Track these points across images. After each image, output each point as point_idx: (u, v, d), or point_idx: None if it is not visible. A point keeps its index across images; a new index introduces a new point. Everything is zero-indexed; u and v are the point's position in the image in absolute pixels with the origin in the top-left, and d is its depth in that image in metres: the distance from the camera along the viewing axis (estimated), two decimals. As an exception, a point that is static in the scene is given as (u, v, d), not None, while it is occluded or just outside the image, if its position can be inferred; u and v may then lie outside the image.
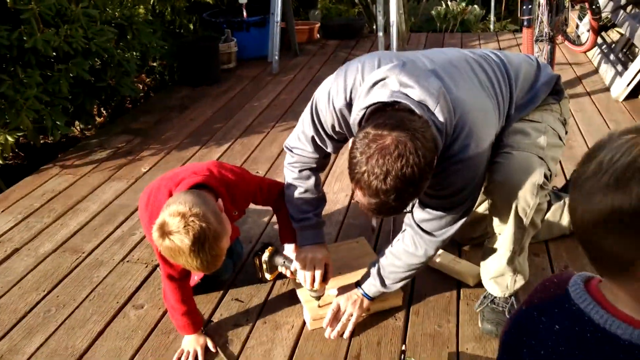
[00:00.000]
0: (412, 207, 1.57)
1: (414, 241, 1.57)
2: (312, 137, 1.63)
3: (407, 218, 1.60)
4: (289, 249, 1.84)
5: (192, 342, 1.68)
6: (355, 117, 1.41)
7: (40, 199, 2.62)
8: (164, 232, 1.39)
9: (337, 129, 1.57)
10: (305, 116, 1.63)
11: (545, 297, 0.78)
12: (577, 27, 4.65)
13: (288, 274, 1.80)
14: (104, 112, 3.93)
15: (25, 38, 2.74)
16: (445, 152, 1.38)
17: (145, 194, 1.73)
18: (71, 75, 2.96)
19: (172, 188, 1.58)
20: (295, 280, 1.80)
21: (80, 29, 2.97)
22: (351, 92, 1.46)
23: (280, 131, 3.27)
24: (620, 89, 3.47)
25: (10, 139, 2.65)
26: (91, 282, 2.00)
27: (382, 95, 1.33)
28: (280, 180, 1.87)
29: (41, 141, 3.28)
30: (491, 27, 6.15)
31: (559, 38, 4.21)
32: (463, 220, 1.53)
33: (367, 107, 1.35)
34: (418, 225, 1.55)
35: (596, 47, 4.21)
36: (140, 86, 4.37)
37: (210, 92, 4.04)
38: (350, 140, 1.36)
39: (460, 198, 1.48)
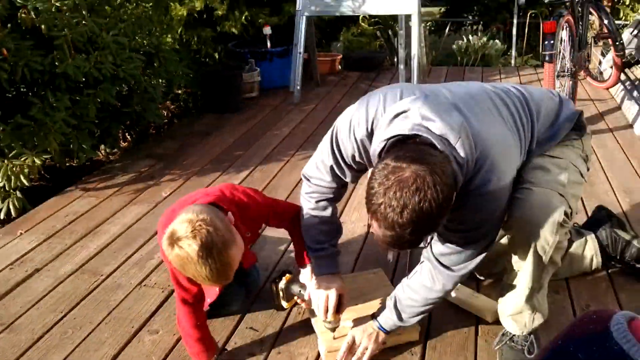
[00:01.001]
0: (430, 241, 1.56)
1: (432, 275, 1.56)
2: (331, 167, 1.64)
3: (426, 251, 1.59)
4: (306, 274, 1.84)
5: None
6: (375, 148, 1.41)
7: (63, 221, 2.66)
8: (173, 240, 1.40)
9: (358, 159, 1.57)
10: (325, 145, 1.64)
11: (583, 333, 0.75)
12: (600, 63, 4.65)
13: (303, 304, 1.79)
14: (129, 137, 4.01)
15: (57, 63, 2.83)
16: (467, 186, 1.37)
17: (162, 217, 1.76)
18: (99, 100, 3.04)
19: None
20: (310, 310, 1.79)
21: (110, 55, 3.06)
22: (373, 123, 1.47)
23: (300, 159, 3.30)
24: (644, 126, 3.44)
25: (37, 161, 2.71)
26: (108, 305, 2.01)
27: (403, 127, 1.34)
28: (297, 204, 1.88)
29: (66, 164, 3.35)
30: (512, 61, 6.17)
31: (581, 74, 4.21)
32: (483, 255, 1.51)
33: (388, 139, 1.35)
34: (437, 259, 1.54)
35: (619, 84, 4.19)
36: (165, 112, 4.46)
37: (233, 119, 4.11)
38: (370, 171, 1.36)
39: (480, 233, 1.47)
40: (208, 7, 4.93)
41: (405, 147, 1.30)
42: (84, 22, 2.95)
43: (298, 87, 4.54)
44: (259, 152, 3.46)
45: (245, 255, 1.84)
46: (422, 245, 1.44)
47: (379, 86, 5.11)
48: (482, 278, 2.04)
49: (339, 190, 1.73)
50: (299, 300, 1.80)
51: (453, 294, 1.87)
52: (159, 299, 2.03)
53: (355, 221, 2.53)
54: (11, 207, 2.71)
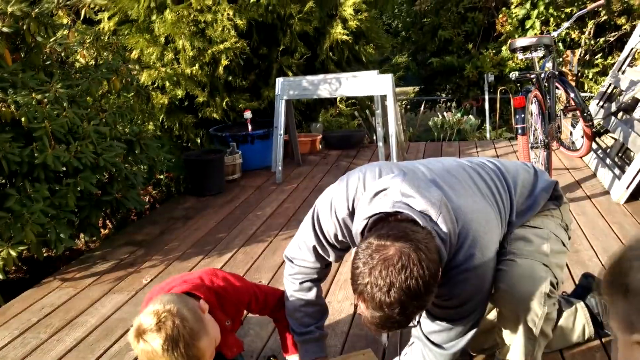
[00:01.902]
0: (419, 319, 1.52)
1: (423, 355, 1.51)
2: (314, 247, 1.62)
3: (415, 330, 1.55)
4: None
5: None
6: (357, 227, 1.41)
7: (39, 314, 2.56)
8: (138, 334, 1.36)
9: (340, 237, 1.57)
10: (306, 225, 1.63)
11: None
12: (571, 133, 4.81)
13: None
14: (109, 223, 3.96)
15: (36, 154, 2.84)
16: (451, 262, 1.37)
17: (143, 306, 1.70)
18: (78, 189, 3.03)
19: None
20: None
21: (91, 145, 3.08)
22: (353, 202, 1.48)
23: (283, 239, 3.27)
24: (620, 192, 3.51)
25: (13, 253, 2.65)
26: (84, 403, 1.90)
27: (384, 205, 1.35)
28: (281, 288, 1.84)
29: (44, 254, 3.27)
30: (487, 135, 6.36)
31: (554, 144, 4.33)
32: (473, 331, 1.48)
33: (370, 217, 1.36)
34: (427, 338, 1.50)
35: (592, 152, 4.32)
36: (146, 198, 4.44)
37: (215, 202, 4.10)
38: (353, 250, 1.35)
39: (468, 308, 1.44)
40: (189, 94, 5.06)
41: (388, 224, 1.30)
42: (64, 113, 2.99)
43: (280, 168, 4.59)
44: (242, 234, 3.43)
45: (230, 344, 1.78)
46: (411, 324, 1.41)
47: (359, 163, 5.22)
48: (474, 354, 1.98)
49: (323, 270, 1.71)
50: None
51: None
52: (138, 394, 1.92)
53: (341, 300, 2.47)
54: (-16, 302, 2.61)
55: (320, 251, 1.63)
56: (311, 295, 1.71)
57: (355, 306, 2.39)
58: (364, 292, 1.22)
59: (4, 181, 3.02)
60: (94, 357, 2.17)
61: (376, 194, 1.40)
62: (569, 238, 1.70)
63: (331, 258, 1.65)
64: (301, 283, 1.71)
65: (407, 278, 1.18)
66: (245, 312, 1.91)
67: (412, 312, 1.25)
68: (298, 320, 1.71)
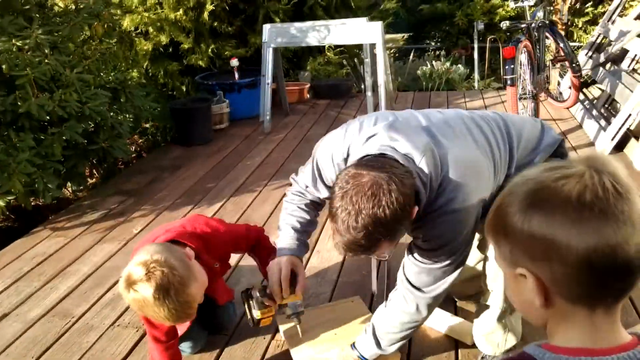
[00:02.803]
0: (389, 255, 1.57)
1: (404, 297, 1.56)
2: (307, 187, 1.70)
3: (399, 274, 1.60)
4: None
5: None
6: None
7: (30, 263, 2.58)
8: (128, 284, 1.40)
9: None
10: (308, 163, 1.70)
11: None
12: (559, 84, 4.81)
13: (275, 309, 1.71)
14: (96, 173, 3.94)
15: (19, 103, 2.78)
16: (432, 204, 1.41)
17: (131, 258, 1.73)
18: (64, 138, 2.99)
19: None
20: (289, 339, 1.77)
21: (75, 93, 3.02)
22: (349, 149, 1.53)
23: (272, 189, 3.29)
24: (605, 143, 3.56)
25: (1, 202, 2.64)
26: (80, 348, 1.94)
27: (371, 148, 1.40)
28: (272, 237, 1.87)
29: (32, 203, 3.26)
30: (475, 85, 6.34)
31: (542, 95, 4.34)
32: (453, 277, 1.52)
33: (358, 160, 1.40)
34: (407, 280, 1.55)
35: (579, 103, 4.34)
36: (133, 147, 4.41)
37: (203, 151, 4.08)
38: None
39: (447, 251, 1.48)
40: (174, 41, 4.94)
41: (369, 159, 1.36)
42: (46, 60, 2.92)
43: (268, 117, 4.56)
44: (231, 184, 3.44)
45: (220, 291, 1.82)
46: (382, 256, 1.47)
47: (347, 113, 5.18)
48: (456, 300, 2.05)
49: (319, 202, 1.76)
50: (271, 306, 1.69)
51: (432, 317, 1.87)
52: (134, 339, 1.97)
53: (330, 249, 2.52)
54: (-25, 251, 2.62)
55: (318, 186, 1.68)
56: (303, 202, 1.76)
57: (344, 255, 2.44)
58: (335, 215, 1.29)
59: (-13, 130, 2.96)
60: (88, 305, 2.21)
61: (367, 139, 1.45)
62: None
63: (322, 195, 1.69)
64: (298, 196, 1.77)
65: (375, 206, 1.24)
66: (235, 258, 1.94)
67: (377, 239, 1.30)
68: (285, 222, 1.75)
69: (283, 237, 1.75)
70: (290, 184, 1.81)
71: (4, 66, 2.78)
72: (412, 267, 1.53)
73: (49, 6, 3.59)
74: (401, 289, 1.58)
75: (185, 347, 1.82)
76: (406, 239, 1.54)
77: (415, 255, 1.52)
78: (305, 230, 1.77)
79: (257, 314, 1.68)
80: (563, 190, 0.68)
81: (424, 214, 1.40)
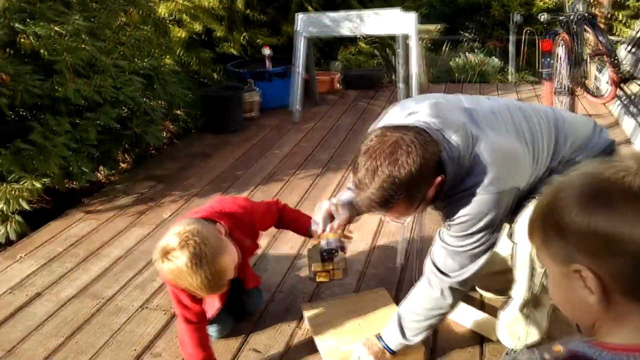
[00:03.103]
0: (406, 222, 1.59)
1: (430, 281, 1.57)
2: None
3: (427, 258, 1.60)
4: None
5: None
6: None
7: (64, 244, 2.65)
8: (163, 254, 1.45)
9: None
10: None
11: None
12: (597, 79, 4.68)
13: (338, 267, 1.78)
14: (128, 158, 4.01)
15: (57, 87, 2.84)
16: (461, 183, 1.43)
17: None
18: (99, 122, 3.05)
19: None
20: (314, 328, 1.80)
21: (110, 78, 3.07)
22: None
23: (300, 179, 3.30)
24: (643, 140, 3.45)
25: (37, 184, 2.71)
26: (110, 329, 1.99)
27: (408, 122, 1.43)
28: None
29: (66, 186, 3.35)
30: (510, 78, 6.21)
31: (579, 90, 4.23)
32: (479, 263, 1.51)
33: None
34: (434, 264, 1.56)
35: (616, 99, 4.21)
36: (165, 133, 4.47)
37: (233, 139, 4.12)
38: None
39: (474, 234, 1.47)
40: (207, 28, 4.97)
41: (401, 125, 1.40)
42: (84, 46, 2.97)
43: (297, 107, 4.56)
44: (260, 172, 3.46)
45: (248, 275, 1.85)
46: (399, 221, 1.56)
47: (377, 104, 5.14)
48: (482, 292, 2.03)
49: None
50: (335, 258, 1.75)
51: (458, 311, 1.86)
52: (162, 322, 2.01)
53: (357, 240, 2.52)
54: (11, 231, 2.70)
55: None
56: None
57: (371, 247, 2.44)
58: (356, 171, 1.36)
59: (26, 114, 3.04)
60: (118, 286, 2.26)
61: (408, 115, 1.49)
62: None
63: None
64: None
65: (391, 163, 1.29)
66: (262, 246, 1.97)
67: (391, 196, 1.32)
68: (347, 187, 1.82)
69: (346, 188, 1.82)
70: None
71: (42, 51, 2.84)
72: (440, 250, 1.54)
73: (86, -8, 3.65)
74: (427, 273, 1.59)
75: (212, 331, 1.84)
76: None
77: (443, 237, 1.54)
78: None
79: (313, 266, 1.77)
80: (624, 183, 0.66)
81: (453, 192, 1.42)
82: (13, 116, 3.04)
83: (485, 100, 1.62)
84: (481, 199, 1.42)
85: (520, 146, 1.48)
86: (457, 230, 1.49)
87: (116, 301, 2.16)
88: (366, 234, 2.55)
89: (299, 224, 1.94)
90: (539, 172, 1.54)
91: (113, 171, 3.72)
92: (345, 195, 1.79)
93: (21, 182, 2.68)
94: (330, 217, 1.73)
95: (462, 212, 1.45)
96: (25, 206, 2.69)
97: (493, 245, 1.52)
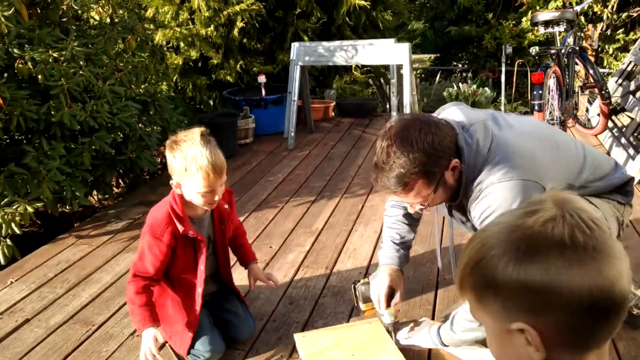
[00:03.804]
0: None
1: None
2: None
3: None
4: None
5: (146, 339, 1.72)
6: None
7: (55, 269, 2.63)
8: (175, 139, 1.67)
9: None
10: None
11: None
12: (587, 110, 4.75)
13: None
14: (122, 183, 4.01)
15: (53, 112, 2.85)
16: (481, 174, 1.45)
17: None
18: (94, 148, 3.05)
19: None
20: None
21: (106, 104, 3.09)
22: None
23: (294, 206, 3.30)
24: (633, 172, 3.49)
25: (29, 209, 2.70)
26: (100, 357, 1.96)
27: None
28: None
29: (59, 210, 3.33)
30: (502, 108, 6.29)
31: (570, 121, 4.30)
32: None
33: None
34: None
35: (607, 131, 4.28)
36: (159, 159, 4.47)
37: (228, 166, 4.05)
38: None
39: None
40: (203, 55, 5.03)
41: (424, 114, 1.49)
42: (80, 72, 3.00)
43: (292, 134, 4.59)
44: (254, 199, 3.46)
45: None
46: (419, 210, 1.53)
47: (372, 132, 5.15)
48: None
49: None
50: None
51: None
52: (152, 351, 1.98)
53: (350, 269, 2.51)
54: (0, 255, 2.67)
55: None
56: (399, 213, 1.88)
57: (366, 274, 2.43)
58: (376, 147, 1.44)
59: (21, 138, 3.05)
60: (109, 313, 2.24)
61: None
62: (619, 235, 1.70)
63: None
64: (392, 207, 1.90)
65: (404, 141, 1.34)
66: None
67: (405, 175, 1.37)
68: (386, 235, 1.90)
69: (384, 250, 1.88)
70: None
71: (39, 76, 2.86)
72: None
73: (85, 19, 3.69)
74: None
75: (204, 351, 1.83)
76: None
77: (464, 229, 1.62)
78: (404, 242, 1.88)
79: (362, 306, 1.94)
80: (554, 233, 0.65)
81: (473, 184, 1.45)
82: (7, 140, 3.04)
83: (517, 117, 1.68)
84: (504, 186, 1.41)
85: (540, 147, 1.51)
86: (479, 223, 1.50)
87: (107, 328, 2.14)
88: (358, 262, 2.55)
89: (247, 255, 2.08)
90: (566, 179, 1.55)
91: (106, 196, 3.70)
92: (391, 253, 1.86)
93: (13, 206, 2.67)
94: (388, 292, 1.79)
95: (485, 203, 1.44)
96: (17, 230, 2.67)
97: None
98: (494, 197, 1.42)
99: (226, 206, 1.91)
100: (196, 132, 1.67)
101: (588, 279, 0.63)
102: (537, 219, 0.66)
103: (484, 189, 1.44)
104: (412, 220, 1.91)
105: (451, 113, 1.54)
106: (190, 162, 1.64)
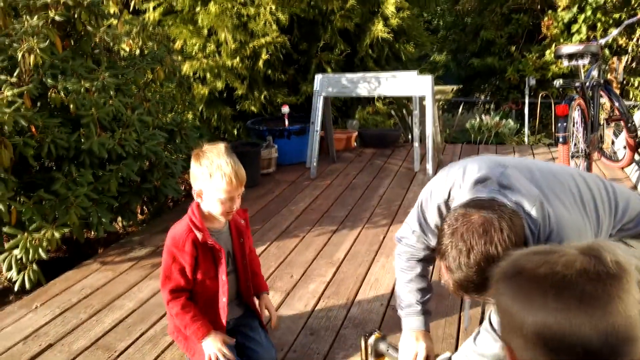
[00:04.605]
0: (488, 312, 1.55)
1: (484, 342, 1.56)
2: (414, 231, 1.71)
3: (485, 322, 1.59)
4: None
5: (212, 344, 1.77)
6: None
7: (79, 295, 2.66)
8: (198, 152, 1.78)
9: (435, 223, 1.62)
10: (413, 211, 1.73)
11: None
12: (613, 143, 4.70)
13: None
14: (146, 209, 4.06)
15: (82, 140, 2.93)
16: None
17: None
18: (120, 175, 3.12)
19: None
20: None
21: (134, 133, 3.16)
22: (450, 190, 1.54)
23: (315, 236, 3.30)
24: (662, 206, 3.42)
25: (57, 234, 2.75)
26: (120, 384, 1.97)
27: (481, 193, 1.41)
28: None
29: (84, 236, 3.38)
30: (525, 140, 6.26)
31: (596, 154, 4.25)
32: None
33: (467, 201, 1.41)
34: (493, 329, 1.54)
35: (634, 164, 4.21)
36: (183, 186, 4.53)
37: (250, 194, 4.16)
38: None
39: None
40: (229, 86, 5.14)
41: (477, 199, 1.37)
42: (110, 101, 3.08)
43: (314, 163, 4.62)
44: (276, 228, 3.48)
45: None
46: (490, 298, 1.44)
47: (394, 162, 5.17)
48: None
49: (427, 252, 1.77)
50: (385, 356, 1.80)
51: None
52: (172, 379, 1.98)
53: (372, 300, 2.49)
54: (26, 279, 2.72)
55: (420, 235, 1.70)
56: (415, 272, 1.79)
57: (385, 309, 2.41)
58: (445, 253, 1.28)
59: (51, 165, 3.13)
60: (131, 339, 2.25)
61: (476, 183, 1.46)
62: None
63: (432, 242, 1.70)
64: (407, 260, 1.79)
65: (487, 242, 1.23)
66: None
67: (489, 277, 1.27)
68: (403, 294, 1.81)
69: (410, 311, 1.80)
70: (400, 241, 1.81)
71: (71, 105, 2.95)
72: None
73: (115, 51, 3.82)
74: (484, 335, 1.58)
75: None
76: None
77: None
78: (427, 300, 1.82)
79: None
80: (529, 266, 0.70)
81: None
82: (38, 167, 3.13)
83: (544, 164, 1.61)
84: None
85: (583, 218, 1.48)
86: None
87: (128, 354, 2.15)
88: (380, 292, 2.53)
89: (260, 284, 2.07)
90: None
91: (131, 222, 3.76)
92: (417, 317, 1.80)
93: (41, 232, 2.72)
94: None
95: None
96: (44, 255, 2.71)
97: None
98: None
99: (242, 221, 2.00)
100: (221, 145, 1.79)
101: (539, 314, 0.67)
102: (545, 255, 0.71)
103: None
104: (428, 266, 1.84)
105: (500, 183, 1.41)
106: (215, 169, 1.74)
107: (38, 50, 2.82)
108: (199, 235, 1.81)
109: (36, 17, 3.02)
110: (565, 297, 0.64)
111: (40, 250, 2.70)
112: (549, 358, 0.65)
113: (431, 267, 1.88)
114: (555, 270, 0.66)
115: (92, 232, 3.41)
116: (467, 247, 1.25)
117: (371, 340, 1.81)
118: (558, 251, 0.70)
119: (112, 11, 4.11)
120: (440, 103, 7.96)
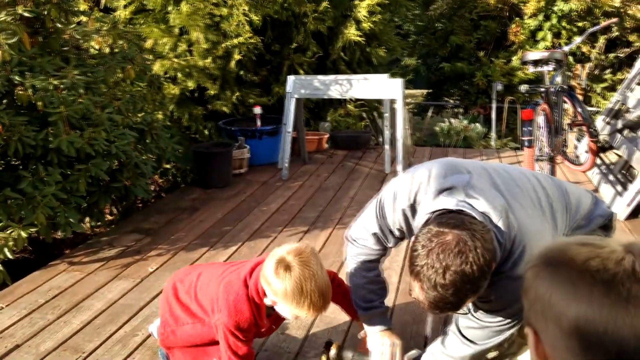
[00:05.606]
0: (469, 307, 1.58)
1: (453, 345, 1.60)
2: (374, 233, 1.71)
3: (452, 325, 1.63)
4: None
5: None
6: (420, 220, 1.49)
7: (46, 295, 2.62)
8: (287, 267, 1.52)
9: (398, 226, 1.64)
10: (370, 211, 1.71)
11: None
12: (576, 147, 4.85)
13: None
14: (115, 210, 4.01)
15: (50, 139, 2.89)
16: (499, 267, 1.42)
17: (182, 283, 1.82)
18: (89, 174, 3.08)
19: (246, 275, 1.68)
20: None
21: (104, 132, 3.13)
22: (416, 195, 1.55)
23: (287, 236, 3.32)
24: (621, 208, 3.55)
25: (23, 234, 2.70)
26: (89, 385, 1.95)
27: (448, 203, 1.42)
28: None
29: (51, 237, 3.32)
30: (492, 144, 6.40)
31: (559, 158, 4.38)
32: (507, 335, 1.56)
33: (433, 212, 1.43)
34: (460, 333, 1.59)
35: (595, 167, 4.36)
36: (153, 187, 4.50)
37: (221, 195, 4.15)
38: (413, 237, 1.41)
39: (506, 313, 1.51)
40: (200, 86, 5.11)
41: (448, 216, 1.37)
42: (80, 99, 3.04)
43: (286, 164, 4.64)
44: (247, 228, 3.48)
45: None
46: (462, 311, 1.48)
47: (365, 164, 5.21)
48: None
49: (382, 252, 1.79)
50: None
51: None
52: (142, 379, 1.98)
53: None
54: (-8, 280, 2.66)
55: (380, 237, 1.70)
56: (373, 274, 1.79)
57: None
58: (420, 273, 1.29)
59: (18, 163, 3.07)
60: (99, 341, 2.23)
61: (442, 191, 1.47)
62: None
63: (390, 244, 1.73)
64: (363, 262, 1.78)
65: (462, 262, 1.25)
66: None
67: (466, 295, 1.30)
68: (362, 296, 1.80)
69: (374, 312, 1.80)
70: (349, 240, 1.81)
71: (39, 103, 2.90)
72: (468, 322, 1.57)
73: (85, 48, 3.76)
74: (451, 338, 1.62)
75: None
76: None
77: (473, 311, 1.55)
78: (383, 296, 1.83)
79: None
80: (579, 257, 0.69)
81: (491, 275, 1.40)
82: (4, 165, 3.06)
83: (503, 170, 1.63)
84: (517, 283, 1.39)
85: (546, 223, 1.52)
86: (490, 308, 1.51)
87: (97, 356, 2.13)
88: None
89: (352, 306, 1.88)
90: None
91: (99, 223, 3.71)
92: (381, 317, 1.81)
93: (7, 231, 2.67)
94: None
95: (497, 293, 1.46)
96: (10, 255, 2.66)
97: (522, 319, 1.55)
98: (509, 290, 1.43)
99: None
100: (311, 258, 1.55)
101: (581, 306, 0.67)
102: (586, 247, 0.72)
103: (499, 281, 1.43)
104: (381, 270, 1.85)
105: (467, 194, 1.42)
106: (303, 299, 1.51)
107: (6, 47, 2.77)
108: (258, 324, 1.69)
109: (4, 12, 2.97)
110: (613, 294, 0.64)
111: (5, 249, 2.65)
112: (580, 353, 0.66)
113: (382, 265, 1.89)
114: (607, 267, 0.66)
115: (60, 233, 3.35)
116: (443, 267, 1.25)
117: (332, 353, 1.79)
118: (607, 245, 0.70)
119: (82, 8, 4.05)
120: (411, 106, 8.07)
